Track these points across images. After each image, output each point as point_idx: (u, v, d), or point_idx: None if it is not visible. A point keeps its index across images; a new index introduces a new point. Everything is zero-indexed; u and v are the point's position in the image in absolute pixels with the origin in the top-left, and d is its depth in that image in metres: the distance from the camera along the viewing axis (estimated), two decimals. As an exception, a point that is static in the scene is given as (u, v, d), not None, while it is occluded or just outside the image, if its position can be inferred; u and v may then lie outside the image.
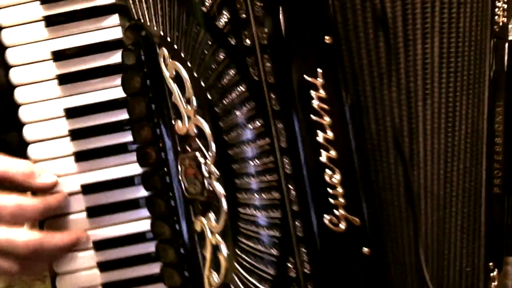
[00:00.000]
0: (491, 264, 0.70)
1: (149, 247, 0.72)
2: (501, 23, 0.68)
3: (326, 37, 0.61)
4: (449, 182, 0.67)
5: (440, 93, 0.65)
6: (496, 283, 0.71)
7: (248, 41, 0.60)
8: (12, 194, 0.65)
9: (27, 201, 0.64)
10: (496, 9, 0.67)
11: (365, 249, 0.63)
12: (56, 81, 0.70)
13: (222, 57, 0.60)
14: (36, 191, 0.67)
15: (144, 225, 0.71)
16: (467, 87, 0.66)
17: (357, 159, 0.62)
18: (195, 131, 0.64)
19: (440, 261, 0.68)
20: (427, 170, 0.65)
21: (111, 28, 0.69)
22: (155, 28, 0.65)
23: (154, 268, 0.72)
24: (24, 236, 0.62)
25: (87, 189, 0.71)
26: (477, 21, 0.65)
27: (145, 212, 0.71)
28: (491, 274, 0.71)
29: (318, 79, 0.60)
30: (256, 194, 0.62)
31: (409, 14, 0.62)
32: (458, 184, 0.67)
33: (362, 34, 0.62)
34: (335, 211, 0.62)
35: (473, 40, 0.65)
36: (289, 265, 0.62)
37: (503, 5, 0.68)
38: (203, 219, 0.66)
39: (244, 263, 0.63)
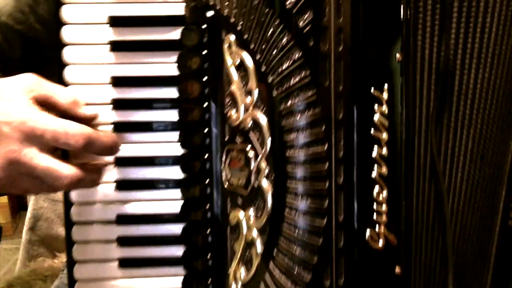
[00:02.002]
0: None
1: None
2: None
3: (398, 55, 0.61)
4: (471, 208, 0.68)
5: (481, 126, 0.66)
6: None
7: (325, 46, 0.59)
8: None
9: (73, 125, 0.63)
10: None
11: (398, 269, 0.64)
12: (108, 46, 0.67)
13: (297, 56, 0.59)
14: (77, 120, 0.65)
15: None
16: (500, 125, 0.67)
17: (404, 179, 0.63)
18: (250, 124, 0.63)
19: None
20: (456, 197, 0.67)
21: (176, 3, 0.67)
22: (225, 13, 0.63)
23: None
24: (79, 128, 0.62)
25: (120, 162, 0.69)
26: None
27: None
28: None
29: (384, 93, 0.60)
30: (304, 199, 0.61)
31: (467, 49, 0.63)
32: (478, 210, 0.68)
33: (426, 58, 0.62)
34: (376, 227, 0.62)
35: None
36: (325, 274, 0.62)
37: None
38: (241, 212, 0.65)
39: (280, 264, 0.63)
